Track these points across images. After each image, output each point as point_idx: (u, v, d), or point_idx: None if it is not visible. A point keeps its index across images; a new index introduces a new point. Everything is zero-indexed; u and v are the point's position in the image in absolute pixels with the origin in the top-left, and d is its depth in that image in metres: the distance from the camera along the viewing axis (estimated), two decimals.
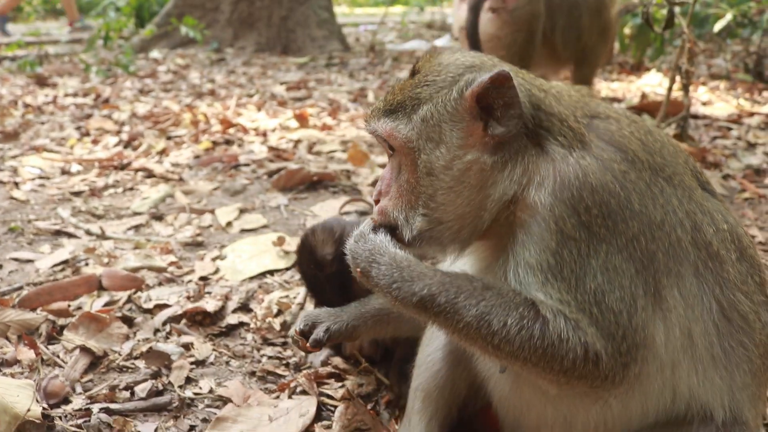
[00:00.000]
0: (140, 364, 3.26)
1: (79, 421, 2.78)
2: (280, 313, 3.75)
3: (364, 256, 2.14)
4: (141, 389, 3.03)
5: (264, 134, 7.64)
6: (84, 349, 3.29)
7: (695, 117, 8.24)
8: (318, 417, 2.91)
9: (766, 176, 6.39)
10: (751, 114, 8.52)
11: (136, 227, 5.09)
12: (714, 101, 9.25)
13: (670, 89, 6.84)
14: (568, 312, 1.95)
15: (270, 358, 3.41)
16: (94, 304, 3.79)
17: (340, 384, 3.16)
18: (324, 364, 3.28)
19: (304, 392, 3.07)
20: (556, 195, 2.00)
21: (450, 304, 1.99)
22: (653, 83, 10.61)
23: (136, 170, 6.41)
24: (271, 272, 4.33)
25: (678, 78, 6.74)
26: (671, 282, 2.03)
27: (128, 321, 3.63)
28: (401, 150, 2.20)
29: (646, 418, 2.15)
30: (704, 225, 2.13)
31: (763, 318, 2.19)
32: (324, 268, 2.99)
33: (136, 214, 5.36)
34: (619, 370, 1.94)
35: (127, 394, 3.02)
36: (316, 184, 5.95)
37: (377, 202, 2.31)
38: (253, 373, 3.27)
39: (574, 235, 1.98)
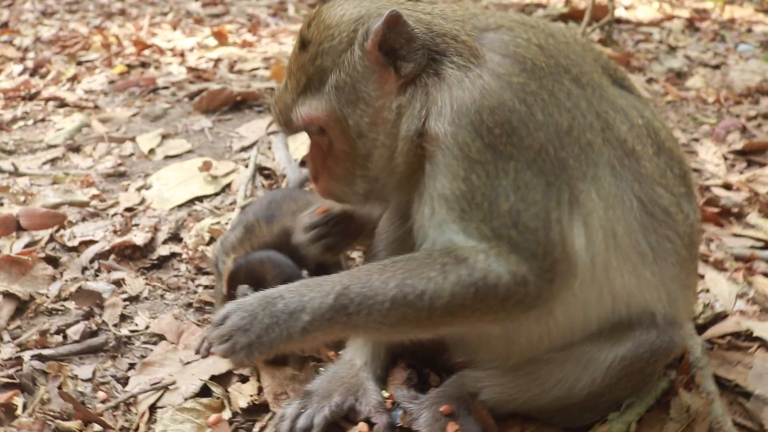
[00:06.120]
0: (70, 305, 3.13)
1: (11, 371, 2.66)
2: (212, 240, 3.65)
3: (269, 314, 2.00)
4: (74, 331, 2.92)
5: (181, 54, 7.27)
6: (8, 295, 3.11)
7: (619, 21, 8.28)
8: None
9: (687, 79, 6.53)
10: (672, 17, 8.62)
11: (53, 161, 4.82)
12: (636, 5, 9.30)
13: None
14: (488, 246, 1.95)
15: (206, 287, 3.33)
16: (13, 246, 3.58)
17: None
18: None
19: None
20: (455, 122, 1.99)
21: (367, 287, 1.96)
22: None
23: (47, 100, 6.01)
24: (200, 198, 4.18)
25: None
26: (587, 186, 2.04)
27: (53, 261, 3.47)
28: (327, 125, 2.19)
29: (590, 326, 2.20)
30: (617, 123, 2.13)
31: (684, 209, 2.24)
32: None
33: (51, 146, 5.06)
34: (547, 285, 1.98)
35: (59, 338, 2.91)
36: (240, 104, 5.73)
37: (315, 181, 2.33)
38: (189, 305, 3.20)
39: (480, 159, 1.96)
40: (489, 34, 2.14)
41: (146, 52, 7.33)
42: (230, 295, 2.73)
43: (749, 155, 4.87)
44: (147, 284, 3.32)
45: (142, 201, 4.14)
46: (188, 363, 2.78)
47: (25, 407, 2.51)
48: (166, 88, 6.19)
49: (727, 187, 4.36)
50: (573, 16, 8.29)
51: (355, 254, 3.37)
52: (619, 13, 8.67)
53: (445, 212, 2.02)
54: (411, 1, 2.28)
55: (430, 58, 2.08)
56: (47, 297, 3.19)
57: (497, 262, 1.94)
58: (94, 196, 4.18)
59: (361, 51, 2.11)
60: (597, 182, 2.06)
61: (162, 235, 3.70)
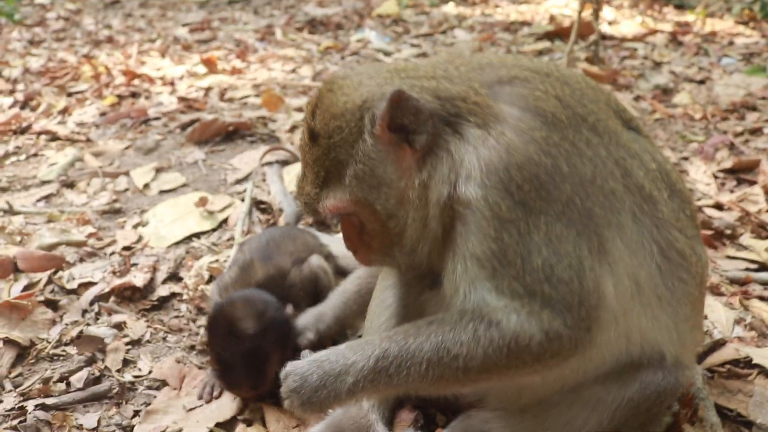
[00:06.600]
0: (72, 350, 3.12)
1: (15, 422, 2.65)
2: (212, 279, 3.65)
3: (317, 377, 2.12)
4: (77, 379, 2.92)
5: (172, 83, 7.29)
6: (8, 342, 3.11)
7: (603, 38, 8.35)
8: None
9: (674, 95, 6.59)
10: (655, 31, 8.71)
11: (47, 197, 4.81)
12: (620, 20, 9.40)
13: (580, 13, 6.89)
14: (519, 304, 1.97)
15: None
16: (12, 289, 3.57)
17: None
18: None
19: None
20: (485, 184, 2.00)
21: (404, 350, 2.04)
22: (560, 4, 10.67)
23: (38, 133, 6.01)
24: (197, 235, 4.19)
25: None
26: (613, 234, 2.07)
27: (52, 304, 3.46)
28: (354, 211, 2.22)
29: (602, 368, 2.23)
30: (634, 168, 2.17)
31: (697, 250, 2.29)
32: (242, 343, 2.71)
33: (44, 182, 5.06)
34: (584, 334, 2.00)
35: (62, 385, 2.90)
36: (232, 135, 5.75)
37: (354, 254, 2.37)
38: (192, 347, 3.19)
39: (510, 217, 1.98)
40: (505, 87, 2.15)
41: (136, 81, 7.34)
42: (211, 342, 2.79)
43: (739, 173, 4.92)
44: (148, 326, 3.31)
45: (140, 239, 4.14)
46: (192, 409, 2.79)
47: None
48: (157, 118, 6.20)
49: (719, 207, 4.40)
50: (558, 33, 8.38)
51: None
52: (603, 28, 8.76)
53: (477, 270, 2.03)
54: (413, 65, 2.27)
55: (444, 123, 2.08)
56: (48, 342, 3.18)
57: (528, 321, 1.96)
58: (90, 235, 4.18)
59: (372, 138, 2.11)
60: (621, 229, 2.10)
61: (161, 275, 3.70)
